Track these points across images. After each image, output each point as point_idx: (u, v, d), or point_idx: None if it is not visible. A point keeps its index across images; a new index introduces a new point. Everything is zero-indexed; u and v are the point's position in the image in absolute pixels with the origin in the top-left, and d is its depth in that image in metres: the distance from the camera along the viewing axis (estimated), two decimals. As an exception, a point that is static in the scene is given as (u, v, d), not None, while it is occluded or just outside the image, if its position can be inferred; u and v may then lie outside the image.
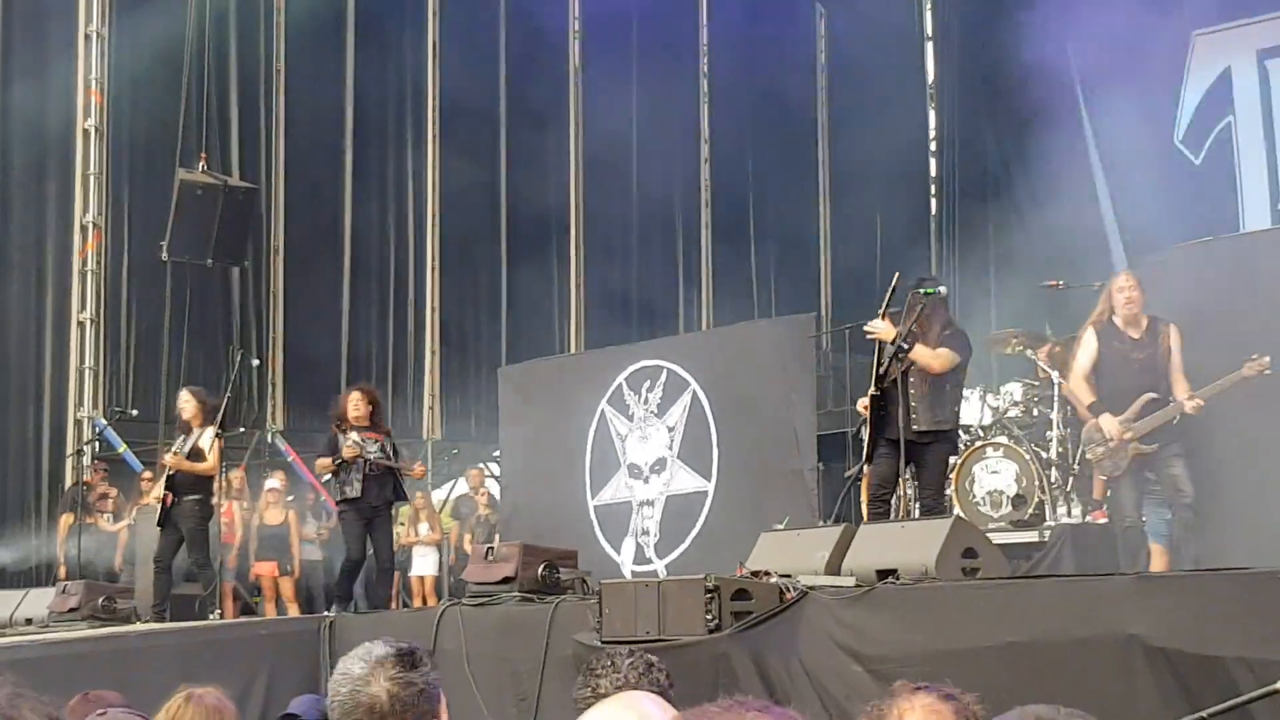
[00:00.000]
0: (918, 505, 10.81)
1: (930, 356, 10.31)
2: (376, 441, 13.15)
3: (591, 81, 22.42)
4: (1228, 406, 10.16)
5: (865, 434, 10.63)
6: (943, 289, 10.58)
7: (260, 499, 17.72)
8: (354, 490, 12.90)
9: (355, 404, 13.23)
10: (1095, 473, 10.56)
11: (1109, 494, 10.81)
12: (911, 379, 10.32)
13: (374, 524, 13.10)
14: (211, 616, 13.53)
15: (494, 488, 18.74)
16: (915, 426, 10.27)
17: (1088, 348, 10.49)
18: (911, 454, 10.38)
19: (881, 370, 10.30)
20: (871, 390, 10.31)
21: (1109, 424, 10.23)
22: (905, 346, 10.18)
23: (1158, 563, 10.20)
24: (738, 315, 20.06)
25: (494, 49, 22.14)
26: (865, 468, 10.88)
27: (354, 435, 13.01)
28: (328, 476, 13.94)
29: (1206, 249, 11.50)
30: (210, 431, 13.33)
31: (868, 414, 10.42)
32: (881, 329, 10.28)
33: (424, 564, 18.24)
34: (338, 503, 13.47)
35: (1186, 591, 6.78)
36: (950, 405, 10.68)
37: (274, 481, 17.95)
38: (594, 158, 22.34)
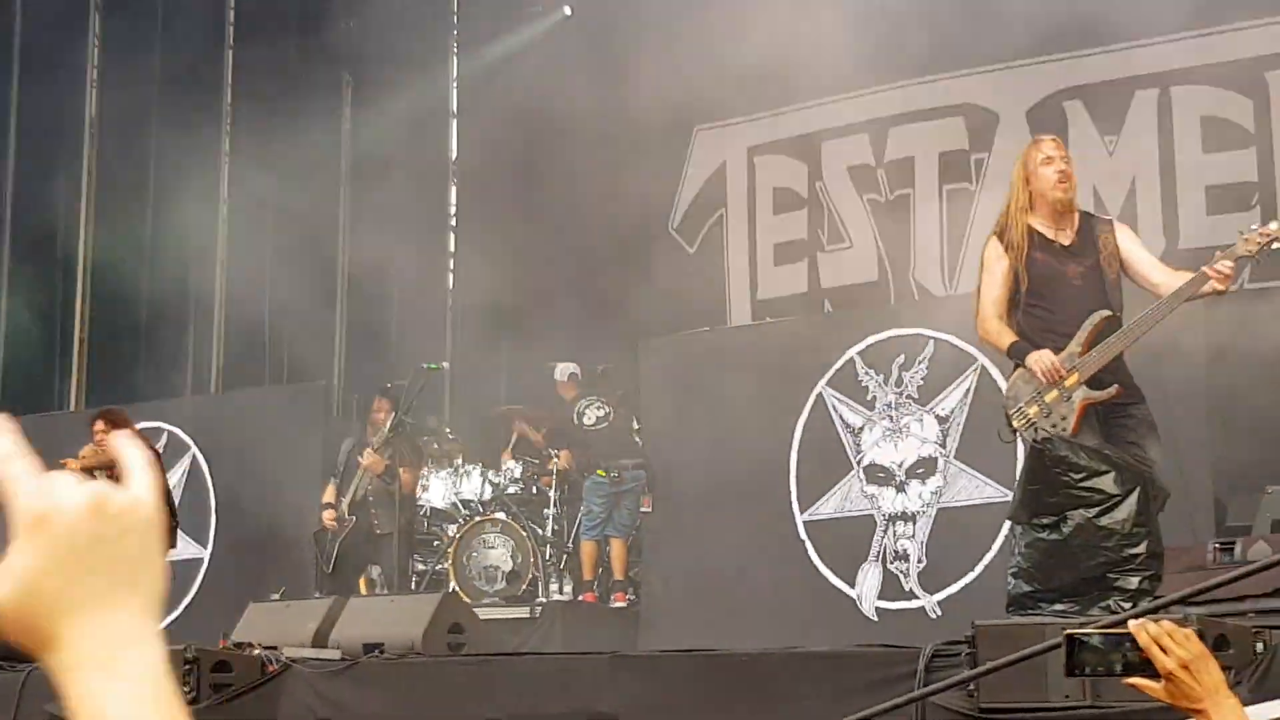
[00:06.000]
0: None
1: None
2: None
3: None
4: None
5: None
6: (445, 364, 10.80)
7: None
8: None
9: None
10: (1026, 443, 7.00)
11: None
12: None
13: None
14: None
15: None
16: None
17: (993, 271, 6.96)
18: None
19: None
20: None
21: (1042, 361, 6.64)
22: None
23: None
24: (248, 380, 19.63)
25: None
26: None
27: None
28: None
29: (705, 338, 12.13)
30: None
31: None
32: None
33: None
34: None
35: (655, 671, 7.08)
36: None
37: None
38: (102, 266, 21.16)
